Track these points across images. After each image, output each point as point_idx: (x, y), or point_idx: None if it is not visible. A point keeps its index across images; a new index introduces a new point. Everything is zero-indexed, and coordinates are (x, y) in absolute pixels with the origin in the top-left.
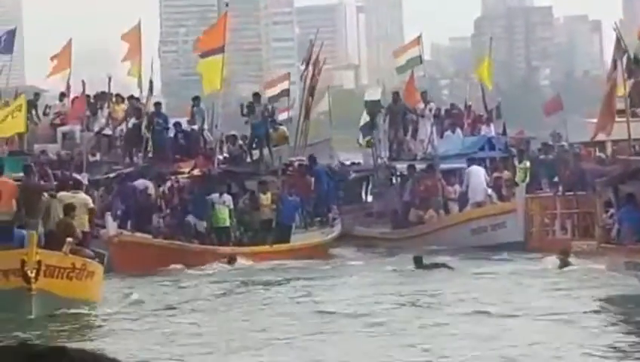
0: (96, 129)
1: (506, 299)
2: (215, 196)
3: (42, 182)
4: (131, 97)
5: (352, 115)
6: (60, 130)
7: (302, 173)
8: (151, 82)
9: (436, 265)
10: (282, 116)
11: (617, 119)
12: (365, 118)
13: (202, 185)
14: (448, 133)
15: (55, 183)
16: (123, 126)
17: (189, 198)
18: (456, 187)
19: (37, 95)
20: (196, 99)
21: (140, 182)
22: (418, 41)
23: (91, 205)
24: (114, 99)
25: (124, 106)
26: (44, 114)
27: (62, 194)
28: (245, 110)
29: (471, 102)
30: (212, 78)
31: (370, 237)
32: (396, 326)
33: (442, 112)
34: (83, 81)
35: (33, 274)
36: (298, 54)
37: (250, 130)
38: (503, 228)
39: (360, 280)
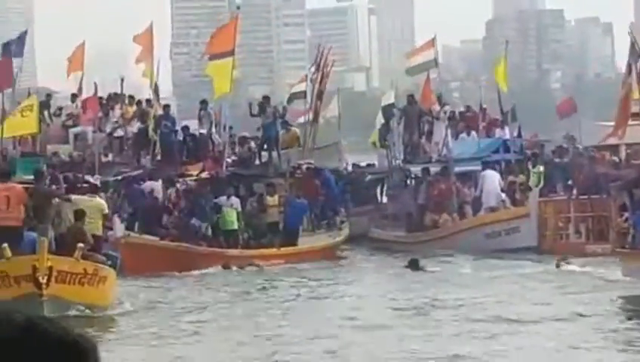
0: (108, 130)
1: (516, 302)
2: (223, 199)
3: (53, 187)
4: (139, 102)
5: (363, 116)
6: (72, 131)
7: (310, 176)
8: (156, 86)
9: (427, 268)
10: (300, 120)
11: (631, 122)
12: (381, 120)
13: (210, 187)
14: (463, 135)
15: (65, 186)
16: (133, 128)
17: (195, 201)
18: (472, 190)
19: (49, 96)
20: (203, 103)
21: (148, 185)
22: (433, 43)
23: (106, 210)
24: (126, 100)
25: (135, 108)
26: (55, 115)
27: (77, 198)
28: (256, 109)
29: (485, 105)
30: (222, 81)
31: (385, 240)
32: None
33: (457, 115)
34: (95, 83)
35: (45, 280)
36: (309, 56)
37: (262, 131)
38: (517, 232)
39: (364, 283)
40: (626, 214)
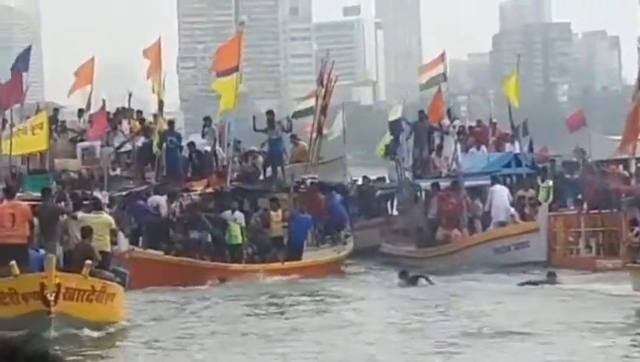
0: (116, 144)
1: (522, 316)
2: (227, 213)
3: (60, 204)
4: (142, 119)
5: (369, 130)
6: (80, 145)
7: (314, 191)
8: (161, 102)
9: (418, 277)
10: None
11: None
12: (389, 136)
13: (214, 202)
14: (473, 149)
15: (73, 203)
16: (138, 142)
17: (195, 214)
18: (481, 204)
19: (56, 110)
20: (207, 120)
21: (153, 199)
22: (442, 58)
23: (114, 226)
24: (134, 115)
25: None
26: (57, 131)
27: (83, 215)
28: (263, 125)
29: (495, 120)
30: (226, 97)
31: (396, 255)
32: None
33: (466, 129)
34: (103, 100)
35: (52, 297)
36: (316, 70)
37: (268, 146)
38: (527, 247)
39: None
40: (637, 229)
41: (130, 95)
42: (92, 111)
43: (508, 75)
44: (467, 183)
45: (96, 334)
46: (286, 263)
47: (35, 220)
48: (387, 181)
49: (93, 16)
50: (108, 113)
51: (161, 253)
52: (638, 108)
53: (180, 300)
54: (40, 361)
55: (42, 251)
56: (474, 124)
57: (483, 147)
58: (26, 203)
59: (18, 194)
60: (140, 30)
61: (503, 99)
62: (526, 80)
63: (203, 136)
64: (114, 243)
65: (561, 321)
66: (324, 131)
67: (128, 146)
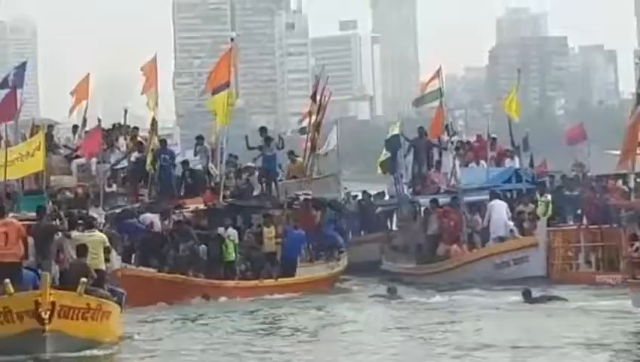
0: (112, 161)
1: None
2: (220, 230)
3: (55, 223)
4: (134, 136)
5: (366, 145)
6: (76, 162)
7: (307, 207)
8: (154, 120)
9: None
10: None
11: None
12: (386, 153)
13: (207, 219)
14: (472, 165)
15: (68, 222)
16: (132, 158)
17: (184, 230)
18: (480, 219)
19: (51, 127)
20: (199, 138)
21: (146, 217)
22: (438, 73)
23: (107, 243)
24: (130, 131)
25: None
26: (51, 148)
27: (77, 234)
28: (256, 142)
29: (495, 135)
30: (220, 113)
31: (397, 272)
32: None
33: (464, 144)
34: (99, 118)
35: (47, 316)
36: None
37: (262, 163)
38: (526, 262)
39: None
40: (637, 244)
41: (126, 111)
42: (87, 128)
43: (507, 89)
44: (467, 199)
45: (89, 353)
46: (279, 279)
47: (30, 239)
48: (387, 196)
49: (88, 31)
50: (103, 129)
51: (153, 270)
52: (636, 122)
53: (172, 316)
54: None
55: (38, 270)
56: (472, 139)
57: (482, 162)
58: (21, 223)
59: (13, 215)
60: (136, 45)
61: (500, 113)
62: (522, 93)
63: (195, 154)
64: (107, 260)
65: (561, 336)
66: (322, 149)
67: (124, 163)
